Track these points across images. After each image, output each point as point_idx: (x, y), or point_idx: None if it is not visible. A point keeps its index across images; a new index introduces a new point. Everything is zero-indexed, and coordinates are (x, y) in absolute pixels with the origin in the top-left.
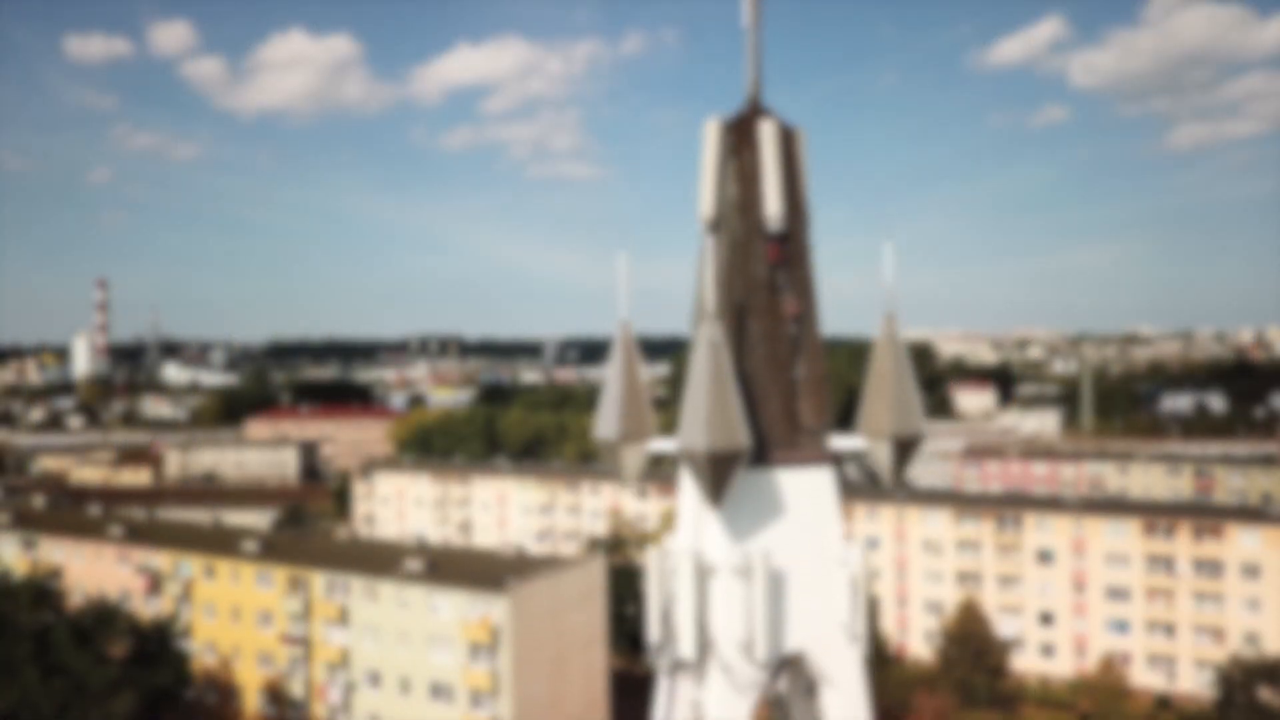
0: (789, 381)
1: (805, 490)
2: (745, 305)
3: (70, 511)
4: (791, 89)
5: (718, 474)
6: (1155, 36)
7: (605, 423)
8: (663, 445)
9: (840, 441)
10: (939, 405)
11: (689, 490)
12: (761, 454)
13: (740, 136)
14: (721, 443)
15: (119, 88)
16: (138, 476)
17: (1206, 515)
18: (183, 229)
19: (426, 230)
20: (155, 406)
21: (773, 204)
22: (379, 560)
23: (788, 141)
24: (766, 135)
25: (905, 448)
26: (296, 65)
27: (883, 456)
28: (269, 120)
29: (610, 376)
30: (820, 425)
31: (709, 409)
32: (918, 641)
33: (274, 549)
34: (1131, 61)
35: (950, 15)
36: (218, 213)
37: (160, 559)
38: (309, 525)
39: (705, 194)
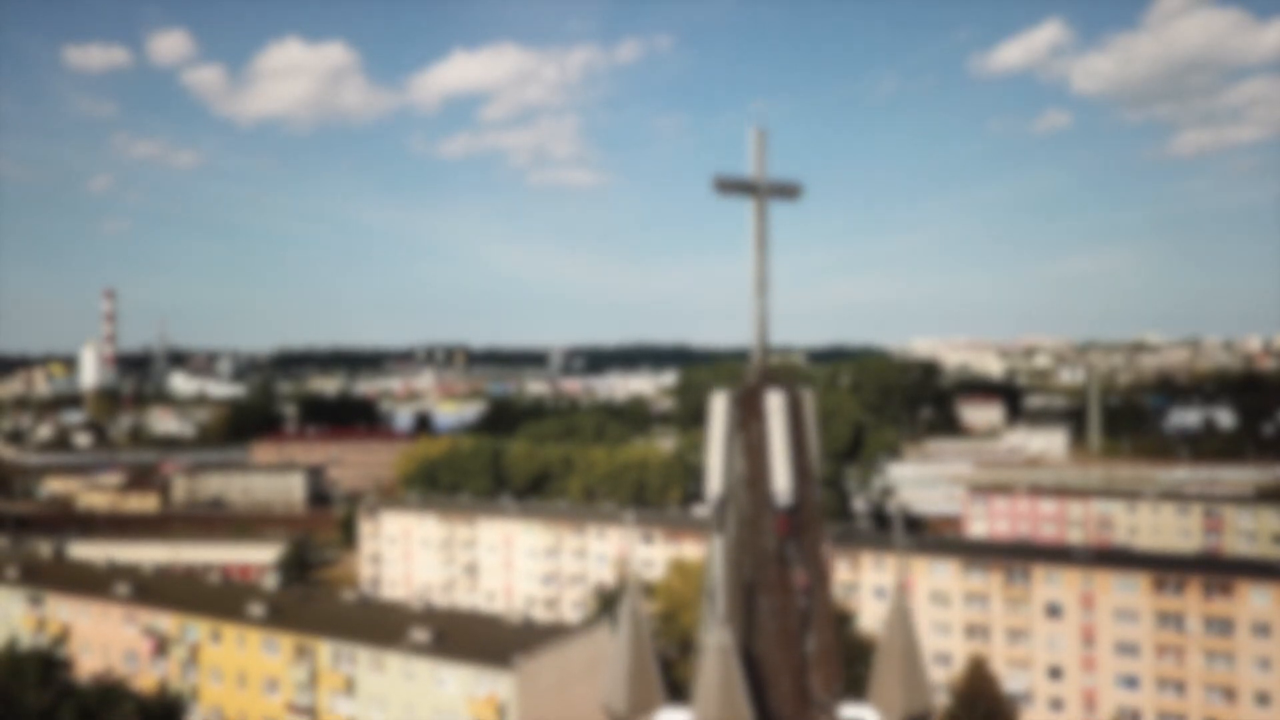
0: (800, 656)
1: None
2: (754, 582)
3: (77, 564)
4: (794, 95)
5: None
6: (1156, 41)
7: (613, 695)
8: (671, 717)
9: (850, 711)
10: (946, 422)
11: None
12: None
13: (747, 409)
14: None
15: (119, 96)
16: (145, 502)
17: (1216, 571)
18: (186, 237)
19: (429, 238)
20: (162, 420)
21: (782, 478)
22: (386, 626)
23: (795, 408)
24: (774, 407)
25: None
26: (294, 73)
27: None
28: (269, 127)
29: (618, 647)
30: (831, 697)
31: None
32: None
33: (280, 613)
34: (1133, 67)
35: (950, 20)
36: (220, 220)
37: (166, 621)
38: (315, 556)
39: (713, 472)
